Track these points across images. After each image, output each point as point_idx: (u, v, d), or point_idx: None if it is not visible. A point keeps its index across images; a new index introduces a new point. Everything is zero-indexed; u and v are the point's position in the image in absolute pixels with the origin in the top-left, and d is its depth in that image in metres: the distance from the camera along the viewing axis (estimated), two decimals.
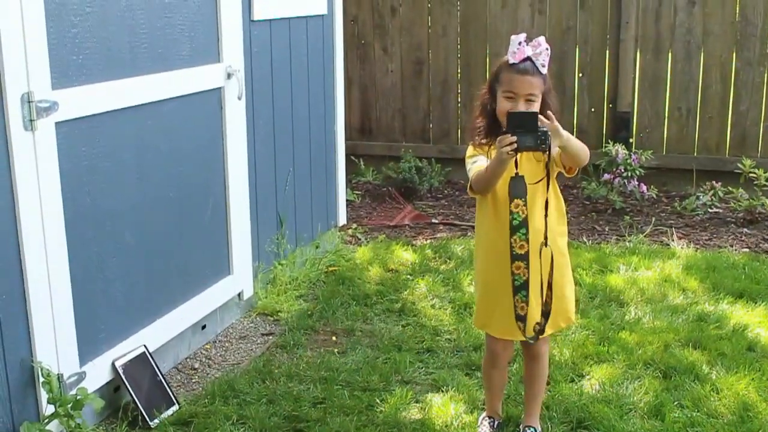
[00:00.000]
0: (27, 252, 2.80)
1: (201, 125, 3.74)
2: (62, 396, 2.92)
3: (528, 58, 2.71)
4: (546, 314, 2.71)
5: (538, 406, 3.12)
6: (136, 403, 3.25)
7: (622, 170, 5.93)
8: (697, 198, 5.88)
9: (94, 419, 3.20)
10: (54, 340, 2.94)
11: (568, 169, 2.77)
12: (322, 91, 4.92)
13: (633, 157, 5.96)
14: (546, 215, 2.70)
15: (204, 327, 3.95)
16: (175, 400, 3.38)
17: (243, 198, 4.09)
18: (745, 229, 5.61)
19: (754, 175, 5.70)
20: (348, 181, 6.06)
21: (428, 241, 5.49)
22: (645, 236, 5.44)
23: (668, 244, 5.28)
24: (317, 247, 5.00)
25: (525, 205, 2.62)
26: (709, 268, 4.75)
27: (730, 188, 5.82)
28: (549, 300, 2.69)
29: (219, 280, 3.96)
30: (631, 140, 6.39)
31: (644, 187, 5.93)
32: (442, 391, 3.44)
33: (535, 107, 2.70)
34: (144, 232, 3.40)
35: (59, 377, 2.95)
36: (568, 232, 3.16)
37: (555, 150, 2.67)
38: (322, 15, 4.83)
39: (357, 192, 6.60)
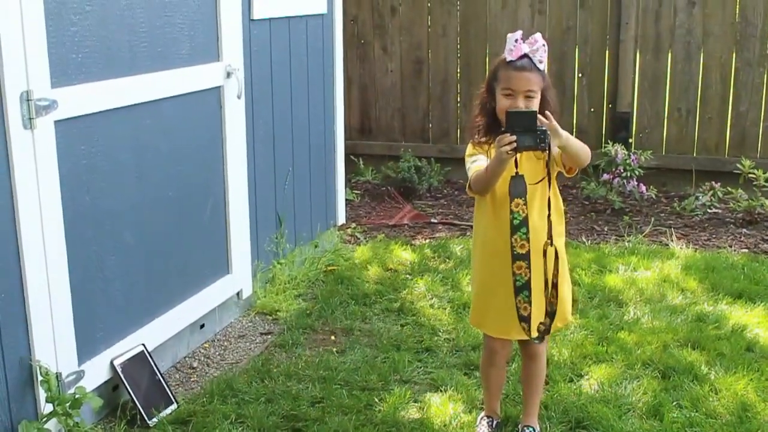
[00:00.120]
0: (26, 251, 2.79)
1: (200, 124, 3.74)
2: (61, 395, 2.91)
3: (525, 55, 2.72)
4: (552, 314, 2.71)
5: (537, 406, 3.13)
6: (134, 402, 3.24)
7: (622, 170, 5.93)
8: (697, 198, 5.88)
9: (93, 418, 3.20)
10: (53, 339, 2.94)
11: (568, 169, 2.77)
12: (321, 91, 4.91)
13: (632, 157, 5.97)
14: (549, 215, 2.69)
15: (203, 326, 3.95)
16: (173, 399, 3.38)
17: (242, 197, 4.09)
18: (744, 230, 5.61)
19: (754, 176, 5.70)
20: (347, 181, 6.06)
21: (427, 240, 5.49)
22: (644, 236, 5.44)
23: (667, 245, 5.28)
24: (316, 247, 5.00)
25: (525, 204, 2.62)
26: (708, 268, 4.75)
27: (730, 189, 5.82)
28: (554, 300, 2.69)
29: (218, 279, 3.96)
30: (630, 140, 6.39)
31: (643, 188, 5.93)
32: (441, 391, 3.44)
33: (534, 104, 2.70)
34: (143, 231, 3.40)
35: (58, 376, 2.95)
36: (567, 232, 3.16)
37: (555, 150, 2.67)
38: (322, 14, 4.83)
39: (356, 191, 6.60)
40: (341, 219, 5.35)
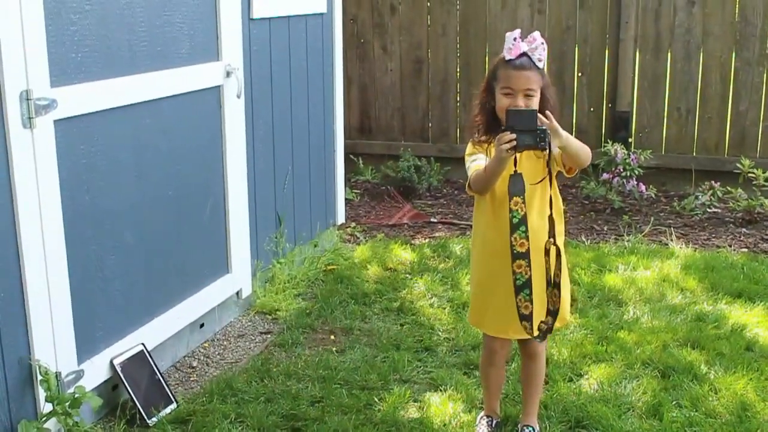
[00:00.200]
0: (26, 251, 2.79)
1: (200, 124, 3.74)
2: (60, 394, 2.91)
3: (524, 54, 2.72)
4: (554, 313, 2.70)
5: (536, 405, 3.13)
6: (134, 401, 3.24)
7: (621, 170, 5.93)
8: (696, 198, 5.88)
9: (92, 417, 3.20)
10: (52, 339, 2.94)
11: (568, 169, 2.77)
12: (321, 90, 4.91)
13: (632, 156, 5.97)
14: (551, 214, 2.69)
15: (202, 325, 3.95)
16: (173, 399, 3.38)
17: (242, 197, 4.08)
18: (744, 229, 5.61)
19: (753, 175, 5.70)
20: (347, 180, 6.06)
21: (427, 240, 5.49)
22: (644, 236, 5.44)
23: (667, 244, 5.28)
24: (316, 246, 5.00)
25: (524, 202, 2.62)
26: (707, 267, 4.75)
27: (729, 188, 5.82)
28: (557, 299, 2.69)
29: (217, 278, 3.96)
30: (630, 140, 6.39)
31: (643, 187, 5.93)
32: (441, 390, 3.44)
33: (534, 102, 2.70)
34: (143, 230, 3.40)
35: (57, 375, 2.95)
36: (567, 232, 3.16)
37: (555, 150, 2.67)
38: (322, 14, 4.83)
39: (356, 191, 6.60)
40: (341, 218, 5.35)
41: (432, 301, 4.37)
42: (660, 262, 4.86)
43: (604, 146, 6.12)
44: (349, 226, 5.74)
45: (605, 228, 5.71)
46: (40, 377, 2.87)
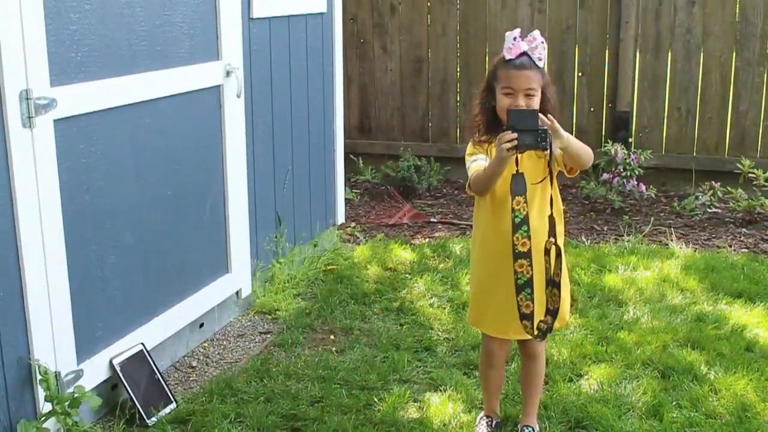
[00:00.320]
0: (25, 250, 2.79)
1: (200, 123, 3.74)
2: (59, 394, 2.91)
3: (524, 53, 2.71)
4: (554, 312, 2.70)
5: (536, 406, 3.12)
6: (133, 401, 3.24)
7: (621, 170, 5.92)
8: (696, 198, 5.87)
9: (92, 417, 3.20)
10: (52, 338, 2.94)
11: (569, 170, 2.77)
12: (321, 90, 4.91)
13: (632, 156, 5.96)
14: (551, 213, 2.69)
15: (202, 325, 3.95)
16: (172, 399, 3.38)
17: (241, 196, 4.08)
18: (744, 230, 5.61)
19: (753, 176, 5.70)
20: (347, 180, 6.05)
21: (427, 240, 5.49)
22: (644, 236, 5.44)
23: (667, 244, 5.28)
24: (316, 246, 5.00)
25: (525, 202, 2.62)
26: (707, 268, 4.75)
27: (729, 188, 5.82)
28: (557, 299, 2.68)
29: (217, 278, 3.95)
30: (630, 140, 6.39)
31: (643, 187, 5.92)
32: (440, 391, 3.44)
33: (535, 102, 2.70)
34: (142, 230, 3.40)
35: (57, 375, 2.95)
36: (567, 232, 3.16)
37: (556, 150, 2.67)
38: (322, 13, 4.83)
39: (356, 191, 6.59)
40: (341, 218, 5.35)
41: (432, 301, 4.37)
42: (660, 262, 4.85)
43: (604, 146, 6.11)
44: (349, 226, 5.74)
45: (605, 228, 5.71)
46: (39, 377, 2.86)
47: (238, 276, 4.12)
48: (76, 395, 2.95)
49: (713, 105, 6.22)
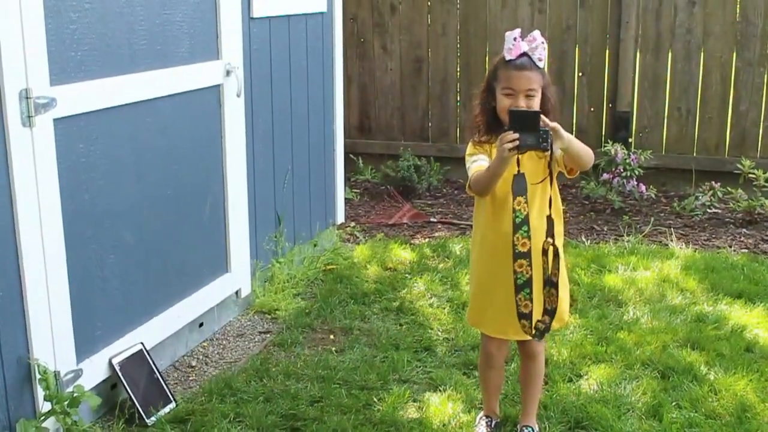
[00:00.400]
0: (25, 250, 2.79)
1: (199, 123, 3.73)
2: (59, 393, 2.91)
3: (524, 54, 2.71)
4: (551, 312, 2.70)
5: (535, 406, 3.12)
6: (132, 400, 3.24)
7: (621, 170, 5.92)
8: (696, 198, 5.87)
9: (91, 417, 3.20)
10: (51, 338, 2.93)
11: (569, 170, 2.77)
12: (321, 89, 4.91)
13: (632, 156, 5.96)
14: (550, 214, 2.69)
15: (201, 325, 3.95)
16: (172, 398, 3.37)
17: (241, 196, 4.08)
18: (744, 230, 5.60)
19: (754, 176, 5.70)
20: (346, 180, 6.05)
21: (426, 239, 5.49)
22: (644, 236, 5.44)
23: (667, 245, 5.28)
24: (315, 246, 4.99)
25: (526, 202, 2.61)
26: (707, 268, 4.75)
27: (729, 189, 5.82)
28: (555, 298, 2.68)
29: (217, 278, 3.95)
30: (630, 140, 6.39)
31: (643, 187, 5.92)
32: (440, 391, 3.43)
33: (535, 102, 2.69)
34: (142, 230, 3.39)
35: (56, 374, 2.94)
36: (567, 232, 3.15)
37: (557, 151, 2.67)
38: (322, 13, 4.83)
39: (355, 190, 6.59)
40: (340, 218, 5.34)
41: (431, 301, 4.37)
42: (660, 262, 4.85)
43: (604, 146, 6.11)
44: (349, 226, 5.73)
45: (605, 228, 5.71)
46: (38, 376, 2.86)
47: (238, 276, 4.12)
48: (75, 395, 2.95)
49: (713, 105, 6.22)
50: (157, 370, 3.39)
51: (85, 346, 3.11)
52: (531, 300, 2.65)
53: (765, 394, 3.37)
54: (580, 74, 6.49)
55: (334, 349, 3.86)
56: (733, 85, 6.16)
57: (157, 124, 3.43)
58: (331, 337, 4.01)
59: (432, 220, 5.97)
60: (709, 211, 5.82)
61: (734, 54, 6.13)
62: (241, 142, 4.03)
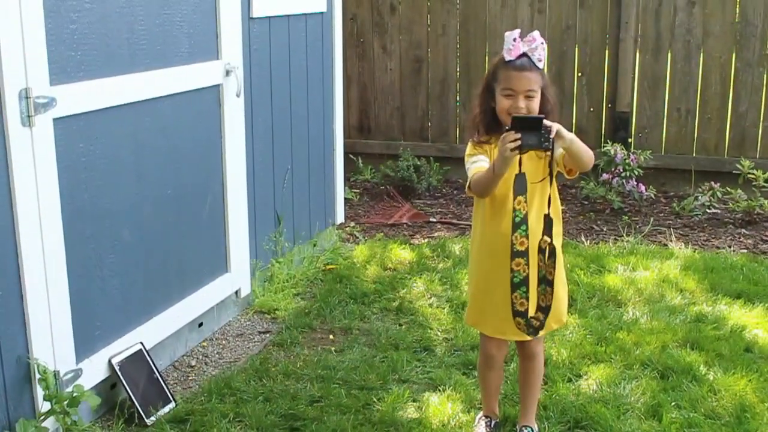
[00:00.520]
0: (24, 249, 2.79)
1: (199, 122, 3.73)
2: (58, 393, 2.91)
3: (524, 54, 2.71)
4: (545, 309, 2.70)
5: (535, 406, 3.12)
6: (132, 400, 3.24)
7: (621, 170, 5.93)
8: (696, 198, 5.87)
9: (91, 416, 3.20)
10: (51, 337, 2.93)
11: (569, 171, 2.77)
12: (320, 89, 4.91)
13: (632, 157, 5.96)
14: (549, 213, 2.69)
15: (201, 325, 3.95)
16: (171, 398, 3.37)
17: (241, 196, 4.08)
18: (744, 230, 5.61)
19: (753, 176, 5.70)
20: (346, 180, 6.05)
21: (426, 239, 5.49)
22: (643, 236, 5.44)
23: (666, 245, 5.28)
24: (315, 246, 4.99)
25: (526, 202, 2.62)
26: (707, 268, 4.75)
27: (729, 189, 5.82)
28: (549, 296, 2.68)
29: (216, 277, 3.95)
30: (629, 140, 6.39)
31: (643, 188, 5.92)
32: (439, 390, 3.43)
33: (535, 103, 2.70)
34: (142, 229, 3.40)
35: (56, 374, 2.95)
36: (567, 232, 3.15)
37: (558, 151, 2.67)
38: (322, 12, 4.83)
39: (355, 190, 6.59)
40: (340, 218, 5.34)
41: (431, 301, 4.37)
42: (659, 262, 4.85)
43: (604, 146, 6.11)
44: (348, 226, 5.73)
45: (605, 228, 5.71)
46: (38, 376, 2.86)
47: (238, 275, 4.12)
48: (74, 394, 2.95)
49: (713, 105, 6.22)
50: (157, 370, 3.39)
51: (84, 346, 3.11)
52: (527, 298, 2.66)
53: (764, 394, 3.37)
54: (580, 74, 6.49)
55: (333, 349, 3.86)
56: (733, 86, 6.16)
57: (157, 123, 3.43)
58: (331, 337, 4.01)
59: (431, 220, 5.97)
60: (708, 211, 5.82)
61: (734, 54, 6.13)
62: (240, 142, 4.03)
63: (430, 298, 4.42)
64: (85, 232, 3.08)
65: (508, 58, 2.72)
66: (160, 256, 3.54)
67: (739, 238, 5.48)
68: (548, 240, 2.66)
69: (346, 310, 4.26)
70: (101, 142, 3.12)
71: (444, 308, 4.27)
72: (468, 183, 2.83)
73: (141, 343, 3.39)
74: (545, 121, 2.56)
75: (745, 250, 5.24)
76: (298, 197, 4.74)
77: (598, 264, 4.83)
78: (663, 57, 6.27)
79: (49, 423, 2.91)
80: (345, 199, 5.56)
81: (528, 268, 2.64)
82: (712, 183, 5.88)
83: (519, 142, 2.55)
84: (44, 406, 2.91)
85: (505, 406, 3.27)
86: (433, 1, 6.74)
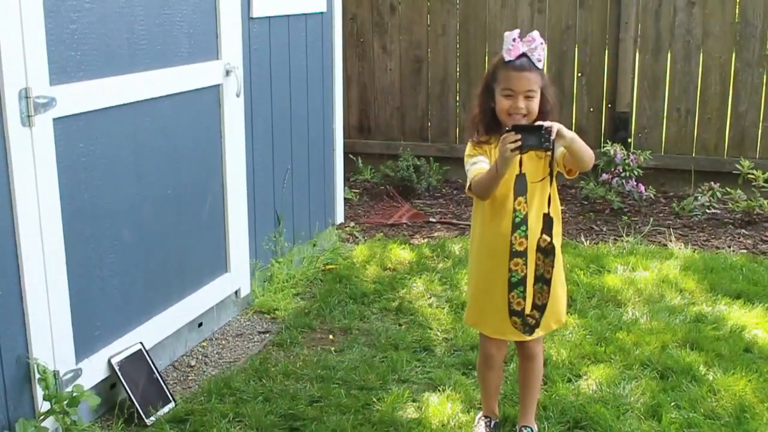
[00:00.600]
0: (24, 249, 2.79)
1: (199, 122, 3.73)
2: (58, 393, 2.91)
3: (523, 54, 2.71)
4: (541, 308, 2.70)
5: (534, 406, 3.12)
6: (132, 400, 3.24)
7: (621, 170, 5.93)
8: (696, 199, 5.87)
9: (90, 416, 3.20)
10: (50, 337, 2.93)
11: (568, 171, 2.77)
12: (320, 89, 4.91)
13: (631, 157, 5.96)
14: (548, 213, 2.69)
15: (201, 325, 3.95)
16: (171, 398, 3.37)
17: (241, 196, 4.08)
18: (743, 230, 5.61)
19: (753, 176, 5.70)
20: (346, 180, 6.05)
21: (426, 239, 5.49)
22: (643, 236, 5.44)
23: (666, 245, 5.28)
24: (315, 245, 4.99)
25: (526, 202, 2.62)
26: (706, 268, 4.75)
27: (728, 189, 5.82)
28: (546, 294, 2.68)
29: (216, 277, 3.95)
30: (629, 140, 6.39)
31: (642, 188, 5.92)
32: (439, 391, 3.43)
33: (534, 103, 2.70)
34: (142, 229, 3.40)
35: (55, 374, 2.95)
36: (566, 232, 3.15)
37: (559, 150, 2.67)
38: (322, 12, 4.83)
39: (355, 190, 6.59)
40: (340, 218, 5.34)
41: (431, 301, 4.37)
42: (659, 262, 4.85)
43: (604, 146, 6.12)
44: (348, 226, 5.73)
45: (604, 228, 5.71)
46: (38, 376, 2.86)
47: (237, 275, 4.12)
48: (74, 394, 2.95)
49: (713, 106, 6.22)
50: (157, 370, 3.39)
51: (84, 346, 3.11)
52: (524, 298, 2.67)
53: (764, 394, 3.37)
54: (580, 74, 6.49)
55: (333, 349, 3.86)
56: (733, 86, 6.16)
57: (157, 123, 3.43)
58: (331, 337, 4.01)
59: (431, 220, 5.97)
60: (708, 211, 5.82)
61: (733, 54, 6.13)
62: (240, 142, 4.03)
63: (430, 298, 4.42)
64: (85, 232, 3.08)
65: (507, 58, 2.72)
66: (160, 256, 3.54)
67: (739, 238, 5.48)
68: (548, 239, 2.66)
69: (345, 310, 4.26)
70: (101, 142, 3.12)
71: (444, 308, 4.27)
72: (468, 184, 2.82)
73: (141, 343, 3.39)
74: (545, 123, 2.57)
75: (745, 251, 5.24)
76: (298, 197, 4.74)
77: (598, 264, 4.83)
78: (663, 57, 6.27)
79: (48, 423, 2.91)
80: (345, 199, 5.56)
81: (526, 268, 2.65)
82: (712, 183, 5.88)
83: (519, 143, 2.55)
84: (44, 406, 2.91)
85: (505, 406, 3.27)
86: (433, 1, 6.74)
